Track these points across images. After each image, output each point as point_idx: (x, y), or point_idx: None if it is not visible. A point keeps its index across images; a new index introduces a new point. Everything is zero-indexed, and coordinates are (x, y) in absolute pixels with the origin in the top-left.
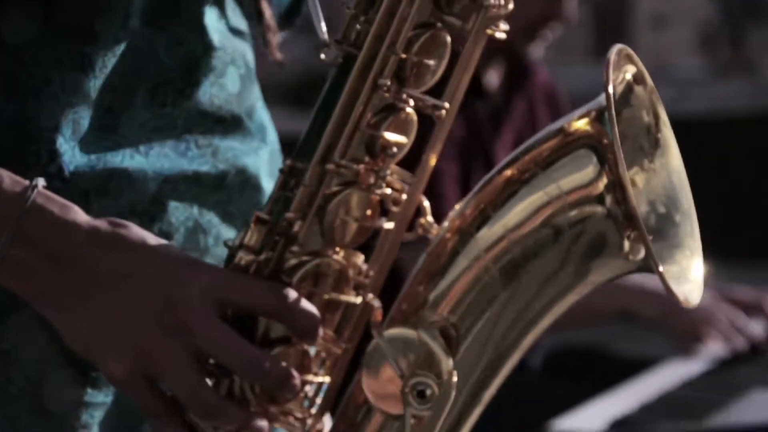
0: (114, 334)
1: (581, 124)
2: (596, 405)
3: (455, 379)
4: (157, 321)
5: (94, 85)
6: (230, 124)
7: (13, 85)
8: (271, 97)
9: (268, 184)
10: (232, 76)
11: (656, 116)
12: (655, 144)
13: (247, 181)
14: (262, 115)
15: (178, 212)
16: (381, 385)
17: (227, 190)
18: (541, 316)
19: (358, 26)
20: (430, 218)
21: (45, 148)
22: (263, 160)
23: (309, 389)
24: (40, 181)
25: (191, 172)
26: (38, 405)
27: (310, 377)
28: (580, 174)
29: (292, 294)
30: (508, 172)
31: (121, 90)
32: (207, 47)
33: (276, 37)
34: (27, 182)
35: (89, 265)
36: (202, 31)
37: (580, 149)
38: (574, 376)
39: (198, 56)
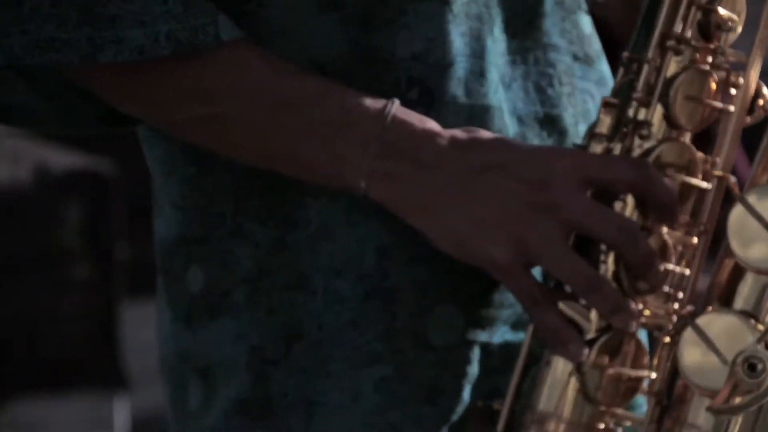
0: (488, 221)
1: None
2: None
3: None
4: (528, 202)
5: (448, 13)
6: (586, 63)
7: (368, 18)
8: None
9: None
10: (584, 16)
11: None
12: None
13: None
14: (606, 67)
15: None
16: (750, 241)
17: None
18: None
19: None
20: None
21: (404, 76)
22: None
23: (669, 283)
24: (396, 100)
25: (543, 114)
26: (423, 340)
27: (670, 266)
28: None
29: (652, 168)
30: None
31: (480, 17)
32: None
33: None
34: (386, 100)
35: (454, 165)
36: None
37: None
38: None
39: None
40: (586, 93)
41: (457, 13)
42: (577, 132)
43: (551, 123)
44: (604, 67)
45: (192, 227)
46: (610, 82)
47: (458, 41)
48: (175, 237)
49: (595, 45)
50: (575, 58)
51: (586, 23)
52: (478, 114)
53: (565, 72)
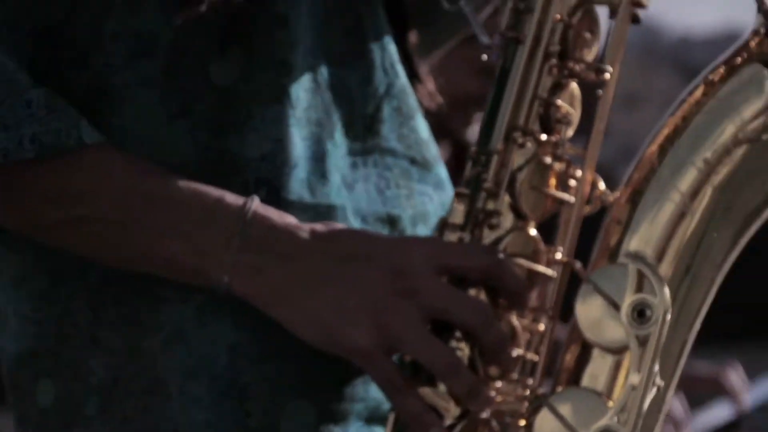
0: (350, 308)
1: (752, 45)
2: None
3: (668, 294)
4: (388, 289)
5: (292, 116)
6: (423, 167)
7: (218, 122)
8: None
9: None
10: (421, 121)
11: None
12: None
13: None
14: (443, 171)
15: None
16: (597, 322)
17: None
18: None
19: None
20: (603, 188)
21: (252, 177)
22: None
23: (517, 370)
24: (256, 197)
25: (384, 214)
26: None
27: (520, 352)
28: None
29: (504, 256)
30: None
31: (321, 123)
32: (395, 87)
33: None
34: (246, 197)
35: (316, 256)
36: (391, 71)
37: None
38: None
39: (386, 95)
40: (424, 195)
41: (300, 118)
42: (414, 232)
43: (392, 223)
44: (442, 170)
45: (43, 340)
46: (447, 185)
47: (300, 144)
48: (24, 351)
49: (433, 149)
50: (413, 162)
51: (423, 128)
52: (323, 213)
53: (402, 175)
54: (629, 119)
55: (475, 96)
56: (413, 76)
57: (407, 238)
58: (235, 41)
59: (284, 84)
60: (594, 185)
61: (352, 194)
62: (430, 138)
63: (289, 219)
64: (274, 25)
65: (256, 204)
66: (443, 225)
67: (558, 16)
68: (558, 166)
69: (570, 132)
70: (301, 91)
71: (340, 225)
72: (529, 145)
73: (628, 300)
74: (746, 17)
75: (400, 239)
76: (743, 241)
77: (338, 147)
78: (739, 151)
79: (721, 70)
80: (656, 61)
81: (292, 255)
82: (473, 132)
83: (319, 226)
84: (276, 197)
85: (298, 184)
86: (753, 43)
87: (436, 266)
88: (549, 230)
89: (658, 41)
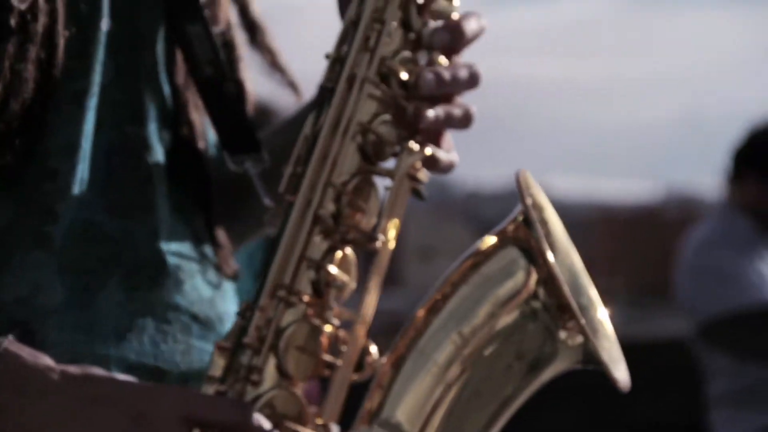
0: None
1: (510, 229)
2: None
3: None
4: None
5: (55, 263)
6: (205, 325)
7: None
8: None
9: None
10: (200, 282)
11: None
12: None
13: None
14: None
15: None
16: None
17: None
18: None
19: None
20: (376, 357)
21: (6, 318)
22: None
23: None
24: (11, 336)
25: (153, 367)
26: None
27: None
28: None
29: (253, 411)
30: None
31: (93, 271)
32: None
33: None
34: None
35: (63, 397)
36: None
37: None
38: None
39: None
40: (203, 352)
41: (65, 266)
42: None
43: (159, 376)
44: (225, 329)
45: None
46: None
47: (62, 291)
48: None
49: (218, 308)
50: (195, 318)
51: (206, 288)
52: (82, 360)
53: (182, 330)
54: (424, 271)
55: None
56: (214, 242)
57: (158, 385)
58: (3, 191)
59: (47, 232)
60: (366, 351)
61: (121, 344)
62: (216, 296)
63: (44, 359)
64: (42, 178)
65: (8, 342)
66: (207, 378)
67: (331, 182)
68: (329, 329)
69: (343, 295)
70: (69, 239)
71: (93, 368)
72: (299, 305)
73: None
74: (534, 173)
75: (150, 386)
76: (498, 425)
77: (113, 296)
78: (493, 330)
79: (485, 248)
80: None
81: (39, 394)
82: None
83: (72, 368)
84: (31, 340)
85: (56, 330)
86: (511, 228)
87: (182, 416)
88: None
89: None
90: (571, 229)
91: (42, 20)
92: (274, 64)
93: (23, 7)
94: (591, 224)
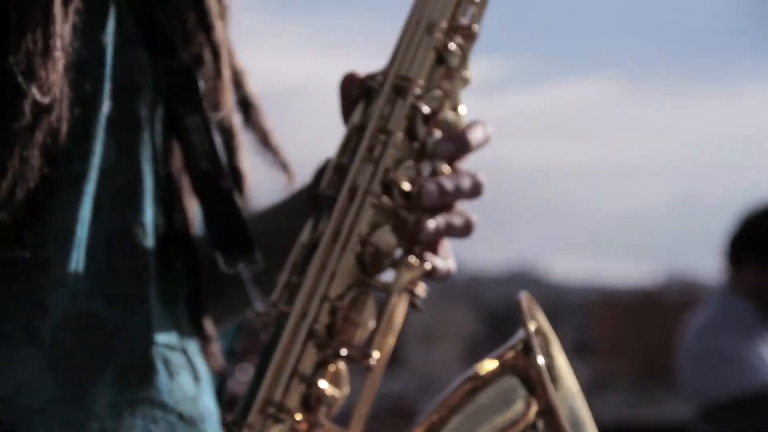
0: None
1: (508, 357)
2: None
3: None
4: None
5: (42, 357)
6: (189, 423)
7: None
8: None
9: None
10: (186, 378)
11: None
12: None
13: None
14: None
15: None
16: None
17: None
18: None
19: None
20: None
21: None
22: None
23: None
24: None
25: None
26: None
27: None
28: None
29: None
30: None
31: (86, 366)
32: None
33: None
34: None
35: None
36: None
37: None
38: None
39: (156, 343)
40: None
41: (57, 360)
42: None
43: None
44: (209, 427)
45: None
46: None
47: (52, 387)
48: None
49: (201, 405)
50: (180, 417)
51: (190, 384)
52: None
53: (168, 429)
54: (426, 353)
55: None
56: (201, 335)
57: None
58: None
59: (37, 326)
60: None
61: None
62: (198, 392)
63: None
64: (34, 268)
65: None
66: None
67: (328, 295)
68: None
69: (332, 412)
70: (61, 333)
71: None
72: (287, 421)
73: None
74: (535, 257)
75: None
76: None
77: (104, 393)
78: None
79: (484, 374)
80: (450, 297)
81: None
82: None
83: None
84: None
85: (43, 429)
86: (509, 356)
87: None
88: None
89: (451, 279)
90: (571, 312)
91: (57, 111)
92: (266, 143)
93: (46, 101)
94: (592, 308)
